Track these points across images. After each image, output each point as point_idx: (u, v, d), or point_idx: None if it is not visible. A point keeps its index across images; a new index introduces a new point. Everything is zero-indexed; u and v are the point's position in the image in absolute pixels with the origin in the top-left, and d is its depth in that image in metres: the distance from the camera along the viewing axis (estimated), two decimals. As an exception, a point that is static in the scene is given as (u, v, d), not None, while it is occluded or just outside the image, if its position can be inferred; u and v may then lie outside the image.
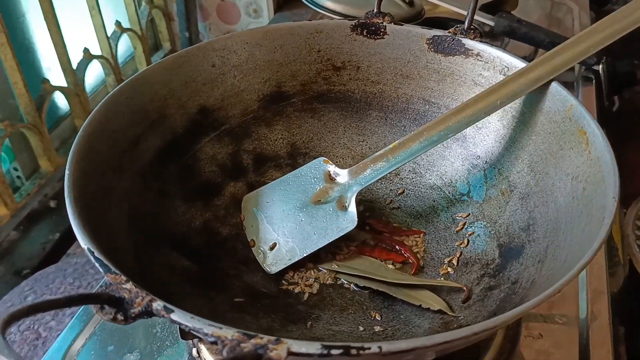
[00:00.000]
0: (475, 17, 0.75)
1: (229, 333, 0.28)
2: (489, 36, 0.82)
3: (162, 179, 0.48)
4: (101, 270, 0.32)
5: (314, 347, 0.28)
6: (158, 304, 0.30)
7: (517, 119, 0.49)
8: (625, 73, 0.76)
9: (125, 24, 1.17)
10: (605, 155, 0.39)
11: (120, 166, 0.44)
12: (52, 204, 1.07)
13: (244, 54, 0.54)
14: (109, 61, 1.10)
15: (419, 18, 0.83)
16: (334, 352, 0.28)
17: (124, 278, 0.31)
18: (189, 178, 0.51)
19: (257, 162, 0.55)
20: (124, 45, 1.23)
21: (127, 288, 0.31)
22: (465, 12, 0.73)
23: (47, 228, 1.03)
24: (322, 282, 0.48)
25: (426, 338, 0.28)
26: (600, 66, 0.74)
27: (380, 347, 0.28)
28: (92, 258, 0.33)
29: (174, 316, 0.29)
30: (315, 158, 0.55)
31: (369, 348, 0.28)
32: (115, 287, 0.31)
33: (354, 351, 0.28)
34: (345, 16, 0.80)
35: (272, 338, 0.28)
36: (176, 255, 0.45)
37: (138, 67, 1.25)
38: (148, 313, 0.30)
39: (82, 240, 0.34)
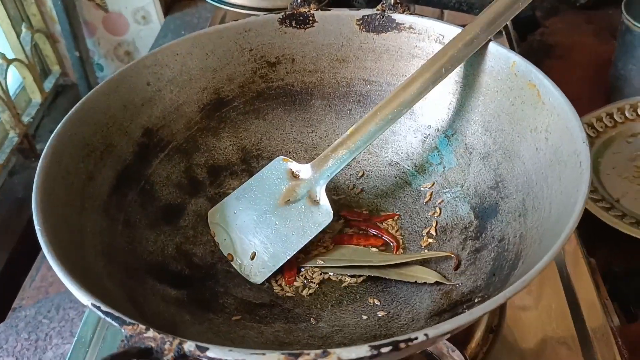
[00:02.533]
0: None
1: (273, 357, 0.27)
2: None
3: (124, 210, 0.46)
4: (114, 324, 0.30)
5: (363, 351, 0.27)
6: (189, 345, 0.28)
7: (462, 84, 0.51)
8: (527, 18, 0.80)
9: (9, 54, 1.09)
10: (562, 103, 0.42)
11: (82, 205, 0.42)
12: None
13: (177, 66, 0.52)
14: (1, 97, 1.02)
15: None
16: (384, 350, 0.28)
17: (143, 327, 0.29)
18: (150, 204, 0.49)
19: (212, 174, 0.54)
20: (11, 77, 1.14)
21: (151, 336, 0.29)
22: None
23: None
24: (311, 280, 0.47)
25: (467, 314, 0.29)
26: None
27: (426, 335, 0.28)
28: (100, 314, 0.31)
29: (210, 353, 0.28)
30: (267, 158, 0.54)
31: (416, 338, 0.28)
32: (137, 338, 0.29)
33: (402, 345, 0.28)
34: (254, 9, 0.78)
35: (319, 352, 0.27)
36: (161, 286, 0.43)
37: (31, 97, 1.17)
38: (182, 357, 0.28)
39: (83, 296, 0.31)
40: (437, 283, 0.44)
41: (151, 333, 0.29)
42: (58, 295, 0.72)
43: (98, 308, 0.31)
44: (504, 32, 0.78)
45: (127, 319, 0.30)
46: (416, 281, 0.45)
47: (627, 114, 0.72)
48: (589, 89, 0.86)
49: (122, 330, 0.30)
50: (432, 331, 0.28)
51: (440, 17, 0.83)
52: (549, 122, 0.43)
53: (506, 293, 0.30)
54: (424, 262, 0.46)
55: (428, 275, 0.44)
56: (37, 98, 1.17)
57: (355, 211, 0.53)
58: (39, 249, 0.34)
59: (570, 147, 0.39)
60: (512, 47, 0.78)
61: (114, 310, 0.30)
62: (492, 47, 0.48)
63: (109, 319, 0.30)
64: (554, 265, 0.52)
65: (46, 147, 0.41)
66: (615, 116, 0.72)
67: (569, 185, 0.37)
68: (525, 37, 0.85)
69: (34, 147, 1.07)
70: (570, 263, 0.51)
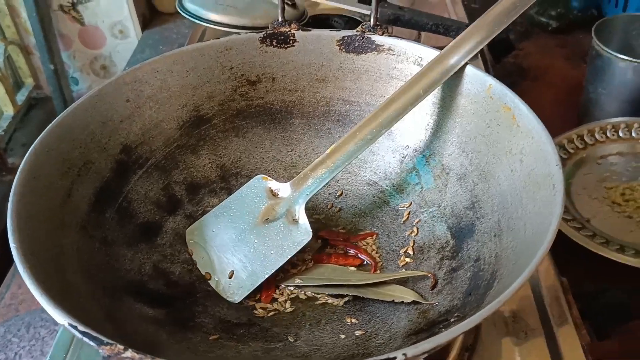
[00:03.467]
0: (357, 9, 0.77)
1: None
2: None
3: (102, 228, 0.46)
4: (92, 344, 0.30)
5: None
6: (169, 365, 0.28)
7: (439, 105, 0.52)
8: (501, 41, 0.82)
9: (-19, 66, 1.07)
10: (536, 126, 0.43)
11: (61, 222, 0.42)
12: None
13: (157, 83, 0.52)
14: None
15: (303, 19, 0.84)
16: (364, 371, 0.28)
17: (121, 347, 0.29)
18: (127, 222, 0.48)
19: (191, 191, 0.54)
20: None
21: (129, 357, 0.29)
22: (345, 7, 0.76)
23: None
24: (289, 299, 0.47)
25: (445, 334, 0.29)
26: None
27: (405, 354, 0.28)
28: (77, 334, 0.30)
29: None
30: (246, 176, 0.55)
31: (395, 358, 0.28)
32: (115, 358, 0.29)
33: (381, 364, 0.28)
34: (233, 27, 0.79)
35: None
36: (139, 305, 0.43)
37: (3, 110, 1.15)
38: (162, 377, 0.28)
39: (59, 316, 0.31)
40: (414, 302, 0.45)
41: (129, 353, 0.29)
42: (29, 314, 0.70)
43: (75, 328, 0.30)
44: (479, 55, 0.80)
45: (105, 339, 0.30)
46: (394, 300, 0.45)
47: (597, 136, 0.74)
48: (561, 111, 0.89)
49: (100, 351, 0.30)
50: (410, 350, 0.29)
51: (418, 39, 0.85)
52: (524, 145, 0.44)
53: (482, 313, 0.30)
54: (402, 281, 0.47)
55: (405, 295, 0.45)
56: (9, 111, 1.15)
57: (334, 230, 0.53)
58: (8, 265, 0.34)
59: (544, 169, 0.40)
60: (487, 70, 0.80)
61: (91, 330, 0.30)
62: (469, 70, 0.49)
63: (86, 339, 0.30)
64: (527, 284, 0.53)
65: (23, 162, 0.41)
66: (585, 138, 0.73)
67: (543, 206, 0.39)
68: (499, 59, 0.87)
69: (5, 161, 1.05)
70: (543, 282, 0.52)
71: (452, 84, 0.50)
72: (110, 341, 0.29)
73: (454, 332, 0.29)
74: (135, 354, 0.29)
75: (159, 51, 0.51)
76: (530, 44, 1.09)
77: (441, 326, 0.41)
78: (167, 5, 1.25)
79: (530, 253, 0.35)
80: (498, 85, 0.47)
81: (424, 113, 0.53)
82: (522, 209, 0.42)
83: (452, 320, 0.41)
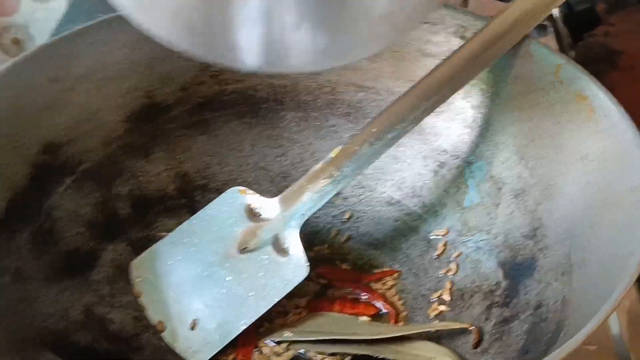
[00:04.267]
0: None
1: None
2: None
3: (14, 256, 0.48)
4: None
5: None
6: None
7: (489, 94, 0.54)
8: (584, 12, 0.85)
9: None
10: (619, 121, 0.45)
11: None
12: None
13: (92, 58, 0.55)
14: None
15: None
16: None
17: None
18: (49, 249, 0.51)
19: (139, 209, 0.56)
20: None
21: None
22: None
23: None
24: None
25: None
26: (556, 9, 0.82)
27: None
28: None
29: None
30: (217, 190, 0.57)
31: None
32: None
33: None
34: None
35: None
36: (65, 363, 0.45)
37: None
38: None
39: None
40: (449, 365, 0.47)
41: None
42: None
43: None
44: (552, 29, 0.83)
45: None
46: (420, 362, 0.48)
47: None
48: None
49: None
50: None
51: (464, 5, 0.88)
52: (604, 147, 0.46)
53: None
54: (432, 338, 0.49)
55: (436, 354, 0.47)
56: None
57: (339, 267, 0.56)
58: None
59: (629, 180, 0.43)
60: (562, 49, 0.83)
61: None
62: (531, 45, 0.52)
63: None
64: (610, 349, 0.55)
65: None
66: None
67: (623, 231, 0.41)
68: (580, 36, 0.89)
69: None
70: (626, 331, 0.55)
71: (506, 64, 0.53)
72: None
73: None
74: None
75: (97, 18, 0.54)
76: (625, 19, 1.11)
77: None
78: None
79: (603, 294, 0.38)
80: (570, 66, 0.50)
81: (467, 105, 0.56)
82: (599, 238, 0.44)
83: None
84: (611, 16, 1.11)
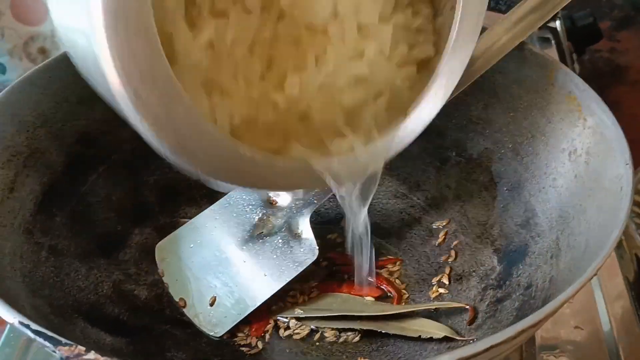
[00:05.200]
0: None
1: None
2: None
3: (51, 234, 0.53)
4: (48, 345, 0.36)
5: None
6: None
7: (488, 95, 0.58)
8: (586, 27, 0.89)
9: None
10: (605, 119, 0.49)
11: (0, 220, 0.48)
12: None
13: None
14: None
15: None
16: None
17: (82, 348, 0.36)
18: (82, 230, 0.55)
19: (165, 197, 0.61)
20: None
21: (92, 358, 0.35)
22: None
23: None
24: (287, 335, 0.54)
25: (471, 346, 0.36)
26: (558, 22, 0.86)
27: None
28: (29, 332, 0.37)
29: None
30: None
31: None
32: (73, 361, 0.36)
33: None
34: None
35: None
36: (94, 330, 0.50)
37: None
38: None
39: (7, 313, 0.38)
40: (446, 339, 0.51)
41: (92, 355, 0.36)
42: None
43: (27, 326, 0.37)
44: (553, 42, 0.87)
45: (63, 340, 0.36)
46: (420, 336, 0.51)
47: None
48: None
49: (56, 353, 0.36)
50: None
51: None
52: (591, 143, 0.50)
53: (517, 325, 0.37)
54: (432, 316, 0.53)
55: (435, 329, 0.51)
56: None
57: (347, 253, 0.60)
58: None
59: (612, 170, 0.47)
60: (563, 61, 0.87)
61: (46, 330, 0.37)
62: (527, 49, 0.56)
63: (40, 339, 0.37)
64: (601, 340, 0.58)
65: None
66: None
67: (609, 217, 0.45)
68: (582, 50, 0.93)
69: None
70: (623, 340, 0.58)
71: (503, 68, 0.57)
72: (69, 342, 0.36)
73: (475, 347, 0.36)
74: (100, 356, 0.35)
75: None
76: (630, 35, 1.15)
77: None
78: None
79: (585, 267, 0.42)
80: (562, 68, 0.54)
81: (467, 106, 0.60)
82: (586, 223, 0.48)
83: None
84: (618, 33, 1.14)
